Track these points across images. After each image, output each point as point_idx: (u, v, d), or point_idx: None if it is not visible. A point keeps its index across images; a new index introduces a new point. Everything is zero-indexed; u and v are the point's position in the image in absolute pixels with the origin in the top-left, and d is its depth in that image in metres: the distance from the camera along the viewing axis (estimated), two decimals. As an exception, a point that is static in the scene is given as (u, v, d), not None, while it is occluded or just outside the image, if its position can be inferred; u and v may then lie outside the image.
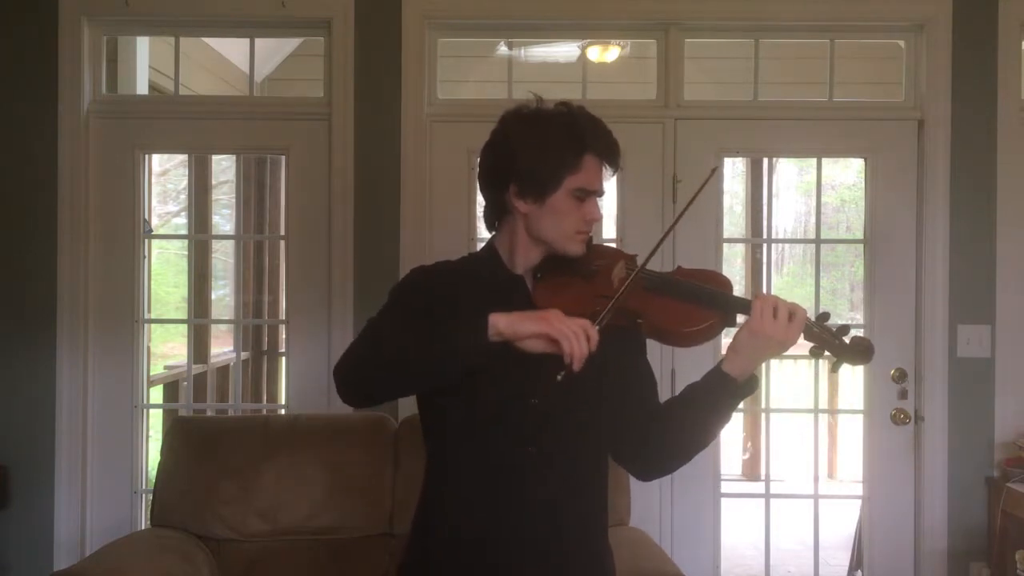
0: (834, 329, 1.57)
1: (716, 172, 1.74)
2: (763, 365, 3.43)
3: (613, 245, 3.04)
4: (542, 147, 1.61)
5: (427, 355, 1.51)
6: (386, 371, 1.55)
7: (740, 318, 1.62)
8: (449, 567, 1.65)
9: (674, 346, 1.65)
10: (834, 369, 1.63)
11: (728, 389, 1.58)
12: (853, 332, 1.59)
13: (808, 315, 1.57)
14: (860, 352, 1.57)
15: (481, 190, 1.72)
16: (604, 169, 1.66)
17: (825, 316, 1.59)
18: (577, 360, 1.44)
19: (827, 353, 1.58)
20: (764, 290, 3.75)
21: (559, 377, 1.46)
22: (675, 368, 3.10)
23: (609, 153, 1.65)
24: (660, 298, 1.62)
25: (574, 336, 1.44)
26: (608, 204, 2.99)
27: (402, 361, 1.53)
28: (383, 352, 1.54)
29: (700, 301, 1.60)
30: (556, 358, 1.45)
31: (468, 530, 1.64)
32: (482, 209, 1.74)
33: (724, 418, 1.62)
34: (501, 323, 1.47)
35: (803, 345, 1.62)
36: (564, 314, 1.48)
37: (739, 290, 7.76)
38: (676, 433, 1.65)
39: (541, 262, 1.68)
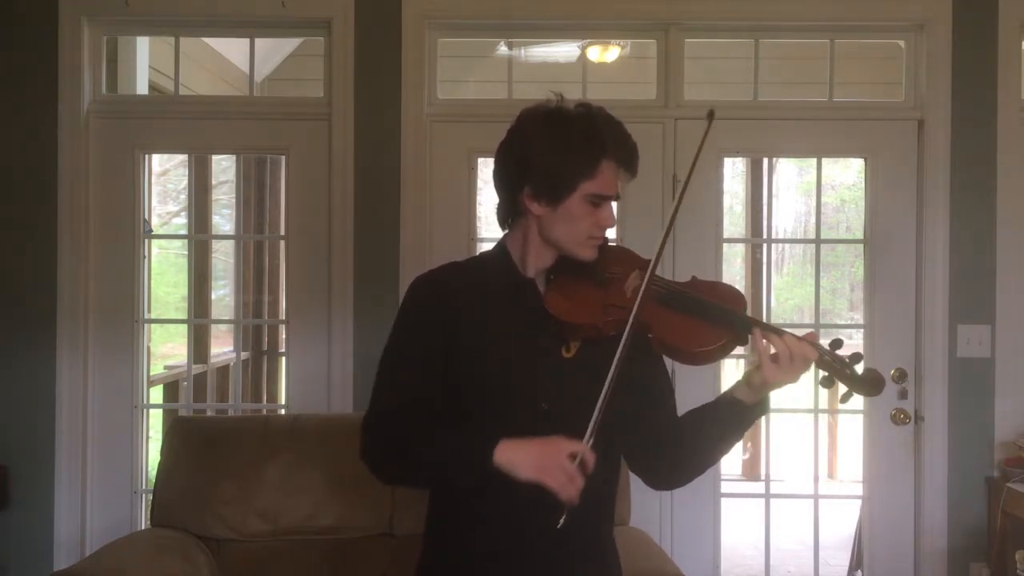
0: (846, 358, 1.55)
1: (713, 120, 1.70)
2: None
3: (615, 244, 3.03)
4: (559, 150, 1.58)
5: (436, 472, 1.61)
6: (402, 477, 1.73)
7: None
8: (461, 560, 1.66)
9: (682, 363, 1.62)
10: (844, 400, 1.59)
11: (742, 414, 1.58)
12: (864, 362, 1.56)
13: (821, 344, 1.55)
14: (870, 384, 1.54)
15: (496, 188, 1.70)
16: (621, 173, 1.63)
17: (838, 343, 1.56)
18: (575, 502, 1.49)
19: (838, 383, 1.56)
20: (764, 291, 3.75)
21: (560, 522, 1.49)
22: (675, 369, 3.09)
23: (627, 159, 1.62)
24: (672, 312, 1.59)
25: (567, 484, 1.48)
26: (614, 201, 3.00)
27: (415, 474, 1.66)
28: (399, 462, 1.63)
29: (712, 319, 1.57)
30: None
31: (475, 524, 1.64)
32: (492, 210, 1.73)
33: (735, 439, 1.63)
34: (503, 460, 1.51)
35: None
36: (556, 449, 1.49)
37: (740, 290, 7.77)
38: (687, 451, 1.66)
39: (554, 263, 1.66)
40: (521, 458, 1.50)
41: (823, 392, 1.55)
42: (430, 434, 1.60)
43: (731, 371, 3.44)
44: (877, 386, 1.55)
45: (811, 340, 1.54)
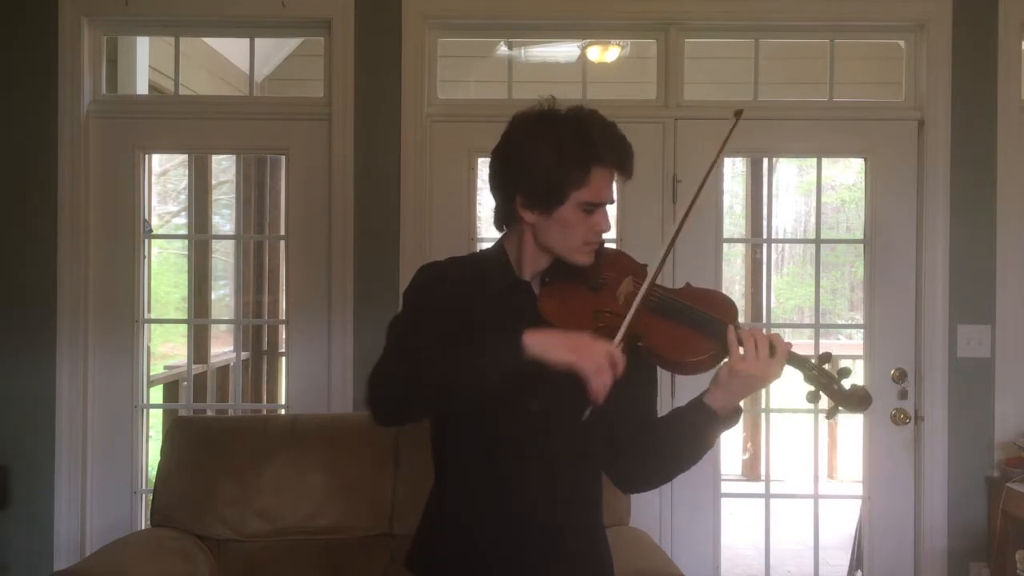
0: (834, 372, 1.53)
1: (740, 119, 1.67)
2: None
3: (614, 246, 3.03)
4: (549, 160, 1.56)
5: (461, 374, 1.51)
6: (419, 390, 1.53)
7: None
8: (452, 551, 1.67)
9: (672, 372, 1.62)
10: (830, 415, 1.57)
11: (709, 421, 1.56)
12: (853, 379, 1.55)
13: (797, 351, 1.53)
14: (858, 400, 1.53)
15: (491, 192, 1.70)
16: (616, 176, 1.62)
17: (826, 357, 1.55)
18: (602, 396, 1.45)
19: (824, 398, 1.54)
20: (764, 291, 3.75)
21: (585, 415, 1.47)
22: (674, 375, 3.09)
23: (620, 163, 1.60)
24: (663, 321, 1.58)
25: (600, 373, 1.45)
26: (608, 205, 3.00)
27: (435, 381, 1.52)
28: (416, 371, 1.52)
29: (703, 329, 1.56)
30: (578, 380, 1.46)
31: (468, 517, 1.66)
32: (491, 210, 1.73)
33: (706, 446, 1.61)
34: (536, 346, 1.46)
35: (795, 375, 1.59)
36: (591, 338, 1.47)
37: (738, 291, 7.76)
38: (657, 454, 1.65)
39: (550, 266, 1.66)
40: (554, 341, 1.47)
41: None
42: (443, 349, 1.53)
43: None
44: (863, 403, 1.53)
45: (790, 349, 1.53)
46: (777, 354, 1.50)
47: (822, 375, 1.53)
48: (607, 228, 1.63)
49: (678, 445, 1.62)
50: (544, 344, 1.46)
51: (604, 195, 1.60)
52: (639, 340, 1.56)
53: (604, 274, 1.65)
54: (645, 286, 1.57)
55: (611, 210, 1.65)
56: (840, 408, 1.55)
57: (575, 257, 1.62)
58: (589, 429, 1.58)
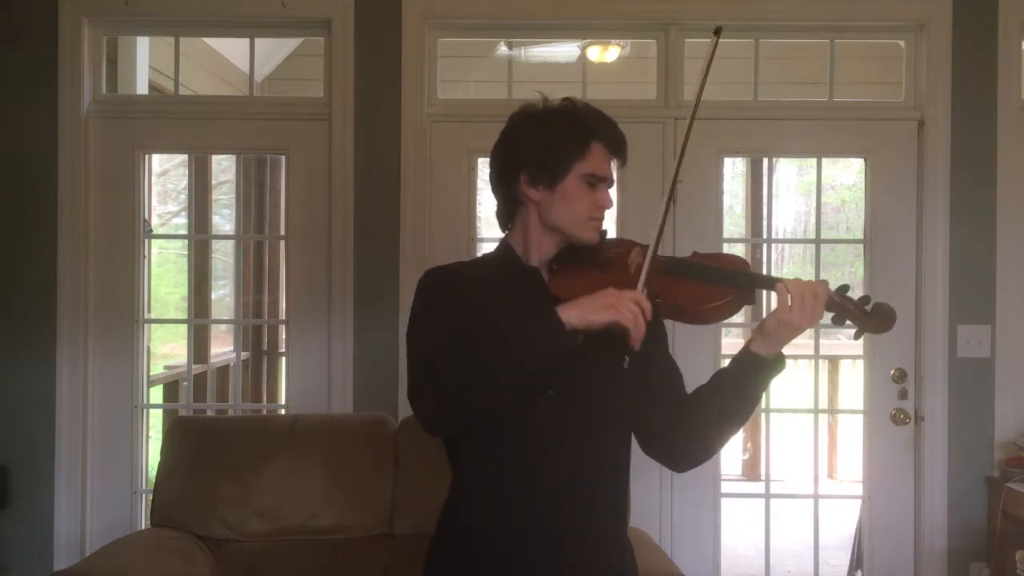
0: (856, 299, 1.60)
1: (719, 37, 1.70)
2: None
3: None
4: (549, 136, 1.65)
5: (509, 365, 1.51)
6: (468, 392, 1.53)
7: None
8: (471, 557, 1.67)
9: (692, 323, 1.67)
10: (857, 336, 1.64)
11: (760, 369, 1.61)
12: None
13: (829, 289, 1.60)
14: (884, 317, 1.59)
15: (493, 188, 1.75)
16: (612, 160, 1.68)
17: (845, 288, 1.62)
18: (639, 344, 1.49)
19: (848, 322, 1.60)
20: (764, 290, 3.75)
21: (626, 364, 1.50)
22: (675, 354, 3.09)
23: (615, 143, 1.68)
24: (678, 279, 1.64)
25: (637, 321, 1.49)
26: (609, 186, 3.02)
27: (483, 379, 1.52)
28: (461, 374, 1.52)
29: (718, 280, 1.62)
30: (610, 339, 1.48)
31: (488, 520, 1.65)
32: (493, 211, 1.76)
33: (755, 399, 1.64)
34: (572, 316, 1.49)
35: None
36: (616, 291, 1.51)
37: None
38: (708, 419, 1.67)
39: (556, 254, 1.70)
40: (588, 307, 1.50)
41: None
42: (485, 343, 1.53)
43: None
44: (889, 319, 1.59)
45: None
46: (818, 300, 1.57)
47: (844, 301, 1.59)
48: (610, 204, 1.69)
49: (729, 404, 1.64)
50: (579, 311, 1.50)
51: (604, 169, 1.67)
52: (658, 297, 1.60)
53: (611, 252, 1.70)
54: (655, 242, 1.61)
55: (610, 208, 1.69)
56: (866, 331, 1.61)
57: (581, 233, 1.66)
58: (599, 435, 1.59)
